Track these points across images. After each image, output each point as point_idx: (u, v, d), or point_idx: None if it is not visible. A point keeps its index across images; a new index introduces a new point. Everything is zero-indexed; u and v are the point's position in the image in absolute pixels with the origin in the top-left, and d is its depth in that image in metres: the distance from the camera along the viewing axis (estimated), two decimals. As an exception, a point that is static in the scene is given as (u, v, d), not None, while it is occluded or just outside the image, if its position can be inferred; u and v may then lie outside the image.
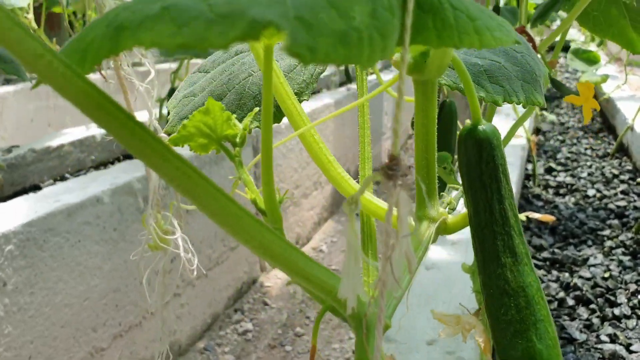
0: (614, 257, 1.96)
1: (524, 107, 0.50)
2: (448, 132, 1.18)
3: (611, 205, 2.45)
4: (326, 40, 0.21)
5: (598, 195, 2.58)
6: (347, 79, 3.93)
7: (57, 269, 1.57)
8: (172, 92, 2.09)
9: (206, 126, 0.44)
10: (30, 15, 2.36)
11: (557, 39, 1.04)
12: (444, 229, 0.45)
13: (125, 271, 1.73)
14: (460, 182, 0.45)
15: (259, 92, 0.51)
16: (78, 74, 0.24)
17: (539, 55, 1.00)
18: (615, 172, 2.88)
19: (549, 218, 1.81)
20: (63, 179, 2.23)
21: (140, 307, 1.83)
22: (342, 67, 3.90)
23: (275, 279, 2.27)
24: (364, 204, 0.46)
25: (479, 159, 0.42)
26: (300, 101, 0.52)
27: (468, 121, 0.44)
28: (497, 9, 1.52)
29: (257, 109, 0.47)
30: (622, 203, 2.46)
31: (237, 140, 0.45)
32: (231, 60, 0.52)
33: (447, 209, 0.49)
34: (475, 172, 0.43)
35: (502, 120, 2.72)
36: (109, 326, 1.72)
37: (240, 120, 0.51)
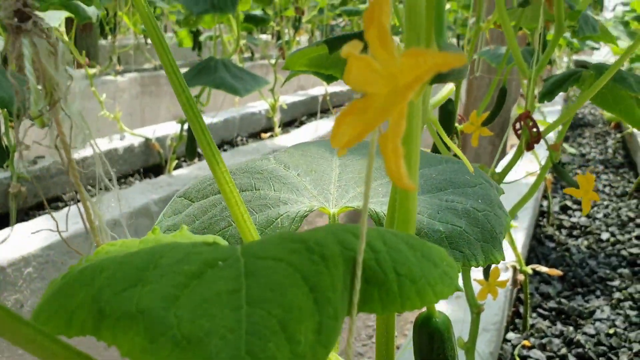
0: (621, 311, 1.95)
1: (482, 266, 0.52)
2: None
3: (624, 252, 2.44)
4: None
5: (612, 239, 2.57)
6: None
7: (70, 291, 1.62)
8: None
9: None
10: (62, 28, 2.42)
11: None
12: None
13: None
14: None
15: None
16: (63, 346, 0.28)
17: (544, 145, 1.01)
18: (632, 214, 2.86)
19: (555, 272, 1.82)
20: (83, 191, 2.28)
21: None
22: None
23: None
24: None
25: (431, 349, 0.45)
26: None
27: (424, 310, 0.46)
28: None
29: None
30: (635, 250, 2.44)
31: None
32: (213, 198, 0.53)
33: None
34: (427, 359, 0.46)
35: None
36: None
37: None
